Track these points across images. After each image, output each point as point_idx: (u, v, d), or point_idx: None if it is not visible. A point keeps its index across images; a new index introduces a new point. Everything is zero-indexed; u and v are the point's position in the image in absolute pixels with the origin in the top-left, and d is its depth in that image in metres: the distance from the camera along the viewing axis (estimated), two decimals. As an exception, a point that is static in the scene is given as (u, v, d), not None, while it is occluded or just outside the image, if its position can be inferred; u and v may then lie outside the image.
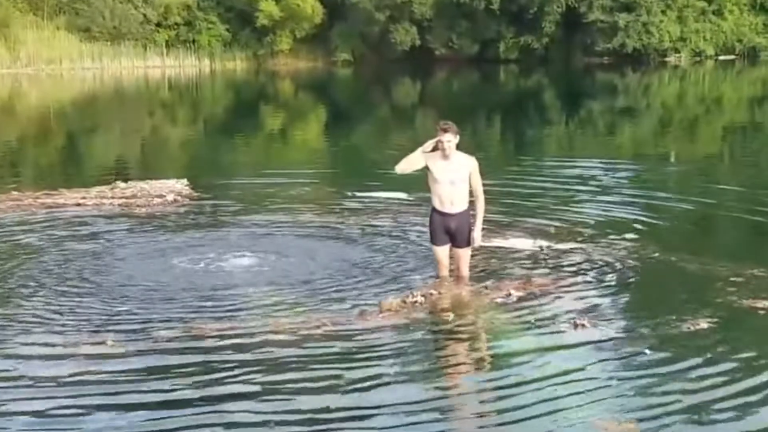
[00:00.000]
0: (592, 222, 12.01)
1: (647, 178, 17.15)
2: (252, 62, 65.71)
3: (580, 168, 17.73)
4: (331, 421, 5.97)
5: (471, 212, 8.92)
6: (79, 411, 6.19)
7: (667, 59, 61.19)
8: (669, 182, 16.69)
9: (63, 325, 7.98)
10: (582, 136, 26.23)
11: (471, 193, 8.87)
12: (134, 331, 7.79)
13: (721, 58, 61.23)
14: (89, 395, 6.43)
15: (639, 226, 11.66)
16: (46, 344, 7.49)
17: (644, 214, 12.71)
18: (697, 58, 61.41)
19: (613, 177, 16.92)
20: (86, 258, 10.51)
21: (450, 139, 8.62)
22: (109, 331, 7.78)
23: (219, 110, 39.04)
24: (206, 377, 6.73)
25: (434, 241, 9.07)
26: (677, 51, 61.63)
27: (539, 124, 29.51)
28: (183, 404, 6.27)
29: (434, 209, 8.99)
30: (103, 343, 7.43)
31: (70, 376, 6.78)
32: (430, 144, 8.79)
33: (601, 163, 18.48)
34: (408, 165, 8.89)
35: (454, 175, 8.72)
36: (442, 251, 9.03)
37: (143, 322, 8.02)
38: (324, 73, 61.35)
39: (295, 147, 25.43)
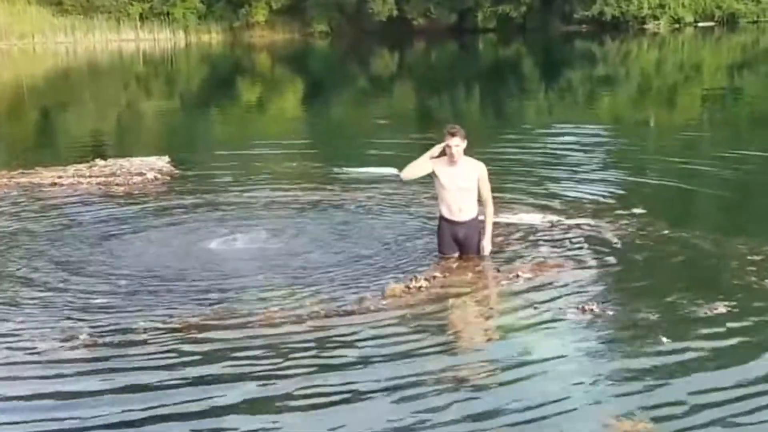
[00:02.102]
0: (596, 194, 11.66)
1: (641, 146, 16.93)
2: (227, 35, 65.04)
3: (572, 137, 17.46)
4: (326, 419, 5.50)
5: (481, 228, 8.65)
6: (45, 417, 5.61)
7: (646, 27, 61.02)
8: (666, 150, 16.23)
9: (29, 320, 7.32)
10: (566, 106, 26.00)
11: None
12: (111, 324, 7.12)
13: (701, 24, 61.11)
14: (58, 399, 5.85)
15: (645, 199, 11.26)
16: (8, 341, 6.83)
17: (647, 185, 12.41)
18: (676, 25, 61.26)
19: (607, 146, 16.74)
20: (57, 243, 9.89)
21: (458, 144, 8.30)
22: (82, 324, 7.12)
23: (195, 84, 38.57)
24: (190, 374, 6.16)
25: (442, 250, 8.72)
26: (656, 18, 61.46)
27: (521, 94, 29.25)
28: (162, 406, 5.72)
29: (442, 217, 8.67)
30: (74, 337, 6.81)
31: (35, 377, 6.19)
32: (437, 149, 8.45)
33: (590, 132, 18.28)
34: (414, 171, 8.61)
35: (461, 181, 8.43)
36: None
37: (121, 315, 7.35)
38: (300, 45, 60.76)
39: (276, 120, 25.05)
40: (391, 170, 13.29)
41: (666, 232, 9.52)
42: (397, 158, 14.80)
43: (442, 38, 59.09)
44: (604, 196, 11.54)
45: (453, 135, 8.27)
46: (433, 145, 8.60)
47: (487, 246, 8.63)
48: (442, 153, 8.41)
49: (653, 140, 17.98)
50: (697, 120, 21.63)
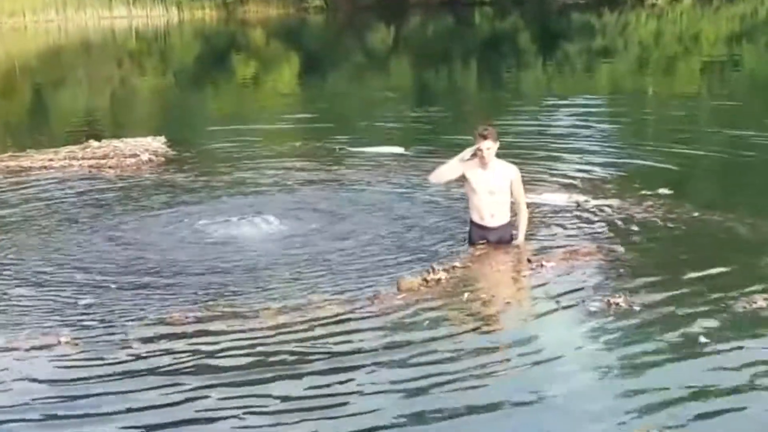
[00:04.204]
0: (618, 171, 11.30)
1: (655, 118, 16.58)
2: (221, 11, 64.37)
3: (583, 109, 17.28)
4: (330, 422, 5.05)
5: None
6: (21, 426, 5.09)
7: (644, -3, 60.41)
8: (683, 123, 15.70)
9: (3, 319, 6.72)
10: (572, 78, 25.64)
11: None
12: (96, 323, 6.55)
13: (699, -5, 60.50)
14: (34, 408, 5.30)
15: (669, 177, 10.84)
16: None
17: (669, 161, 11.94)
18: (675, -4, 60.66)
19: (620, 119, 16.44)
20: (39, 231, 9.33)
21: (489, 146, 7.92)
22: (63, 323, 6.55)
23: (190, 61, 38.05)
24: (184, 376, 5.64)
25: None
26: (654, -11, 60.85)
27: (524, 67, 28.93)
28: (151, 408, 5.23)
29: (472, 222, 8.29)
30: (54, 339, 6.20)
31: (9, 382, 5.62)
32: (468, 152, 8.05)
33: (601, 104, 18.12)
34: (443, 174, 8.24)
35: (493, 184, 8.06)
36: None
37: (107, 312, 6.79)
38: (296, 20, 60.18)
39: (273, 98, 24.62)
40: (398, 149, 12.88)
41: (696, 214, 8.99)
42: (401, 134, 14.57)
43: (438, 11, 58.52)
44: (626, 174, 11.15)
45: (485, 138, 7.90)
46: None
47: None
48: (474, 156, 8.02)
49: (667, 113, 17.41)
50: (714, 92, 20.98)
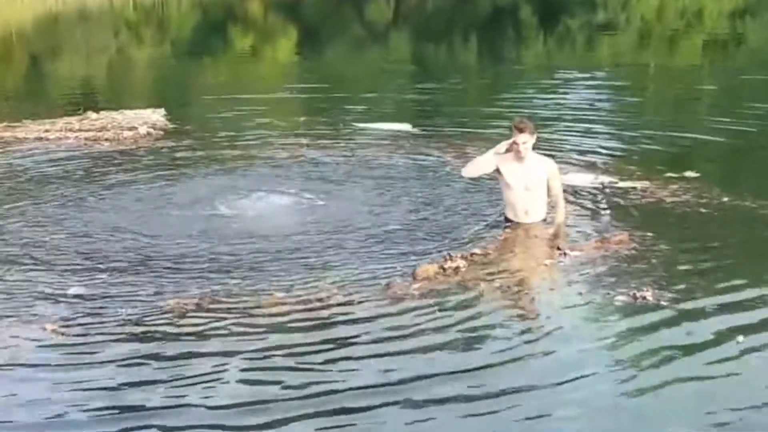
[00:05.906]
0: (639, 151, 10.95)
1: (673, 95, 16.19)
2: (218, -19, 63.90)
3: (592, 83, 17.10)
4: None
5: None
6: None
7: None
8: (702, 100, 15.36)
9: None
10: (572, 53, 25.39)
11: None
12: (87, 311, 6.06)
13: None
14: (14, 399, 4.93)
15: (695, 158, 10.49)
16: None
17: (692, 139, 11.61)
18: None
19: (637, 94, 16.21)
20: (28, 207, 8.91)
21: (525, 140, 7.62)
22: (51, 310, 6.09)
23: (188, 32, 37.75)
24: (175, 378, 5.15)
25: None
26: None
27: (525, 42, 28.65)
28: (141, 408, 4.80)
29: (506, 219, 7.98)
30: (40, 328, 5.76)
31: None
32: (503, 145, 7.74)
33: (610, 80, 17.86)
34: (477, 168, 7.96)
35: (529, 179, 7.76)
36: None
37: (99, 299, 6.31)
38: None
39: (273, 72, 24.37)
40: (404, 125, 12.58)
41: (726, 199, 8.49)
42: (405, 109, 14.33)
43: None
44: (649, 153, 10.82)
45: (521, 131, 7.60)
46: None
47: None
48: (509, 149, 7.72)
49: (686, 88, 16.94)
50: (735, 67, 20.47)
